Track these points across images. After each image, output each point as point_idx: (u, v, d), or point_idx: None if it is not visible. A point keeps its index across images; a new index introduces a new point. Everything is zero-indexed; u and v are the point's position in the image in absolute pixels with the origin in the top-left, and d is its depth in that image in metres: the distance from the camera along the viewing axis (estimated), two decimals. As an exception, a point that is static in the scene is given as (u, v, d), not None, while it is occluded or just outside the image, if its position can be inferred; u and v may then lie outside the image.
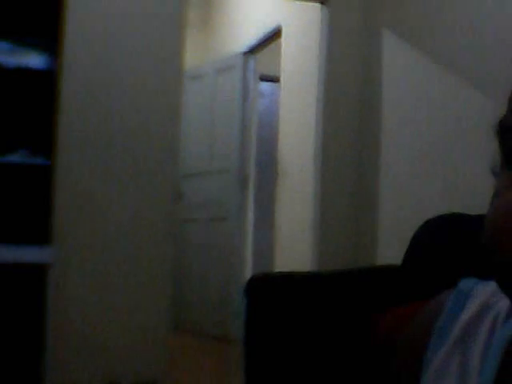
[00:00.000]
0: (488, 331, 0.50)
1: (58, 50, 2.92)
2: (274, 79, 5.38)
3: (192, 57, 5.25)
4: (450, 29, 3.20)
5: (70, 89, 3.16)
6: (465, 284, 0.54)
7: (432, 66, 3.33)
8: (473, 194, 2.93)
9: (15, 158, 2.88)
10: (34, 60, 2.95)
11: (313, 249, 3.94)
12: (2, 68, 2.89)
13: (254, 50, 5.13)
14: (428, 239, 2.71)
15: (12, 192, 3.00)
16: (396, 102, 3.61)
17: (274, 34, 4.86)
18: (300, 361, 2.33)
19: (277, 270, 4.46)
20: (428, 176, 3.31)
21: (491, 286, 0.52)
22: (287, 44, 4.70)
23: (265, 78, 5.67)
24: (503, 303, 0.50)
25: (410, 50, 3.52)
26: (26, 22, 2.99)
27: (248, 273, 4.98)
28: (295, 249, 4.33)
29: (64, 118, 3.05)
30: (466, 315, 0.52)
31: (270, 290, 2.68)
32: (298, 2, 4.28)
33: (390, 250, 3.48)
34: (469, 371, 0.49)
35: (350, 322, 2.58)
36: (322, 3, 3.99)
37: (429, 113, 3.34)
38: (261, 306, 2.65)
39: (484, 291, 0.52)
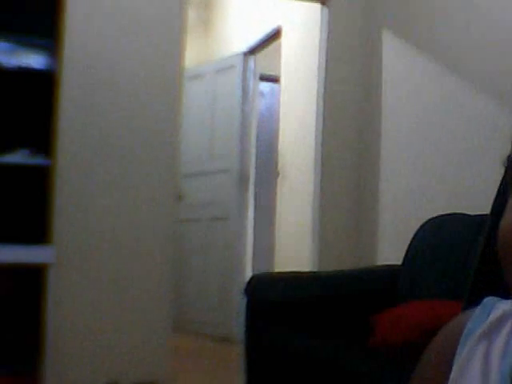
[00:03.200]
0: (509, 330, 0.56)
1: (57, 50, 2.92)
2: (274, 79, 5.38)
3: (192, 57, 5.25)
4: (449, 29, 3.20)
5: (70, 89, 3.16)
6: (489, 300, 0.61)
7: (432, 66, 3.33)
8: (473, 194, 2.93)
9: (15, 158, 2.88)
10: (34, 60, 2.94)
11: (313, 249, 3.94)
12: (2, 68, 2.89)
13: (254, 50, 5.13)
14: (428, 239, 2.71)
15: (12, 192, 3.00)
16: (396, 101, 3.61)
17: (274, 34, 4.86)
18: (300, 360, 2.32)
19: (277, 270, 4.46)
20: (428, 176, 3.31)
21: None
22: (287, 44, 4.70)
23: (265, 78, 5.67)
24: None
25: (410, 50, 3.52)
26: (25, 22, 2.99)
27: (248, 273, 4.97)
28: (295, 249, 4.33)
29: (64, 118, 3.04)
30: (491, 317, 0.58)
31: (270, 290, 2.68)
32: (297, 2, 4.28)
33: (390, 250, 3.48)
34: (491, 362, 0.55)
35: (349, 321, 2.58)
36: (322, 3, 3.99)
37: (429, 113, 3.34)
38: (261, 306, 2.65)
39: (505, 304, 0.59)
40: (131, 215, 3.40)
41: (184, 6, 3.58)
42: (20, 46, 2.93)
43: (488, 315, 0.58)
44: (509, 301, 0.59)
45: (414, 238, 2.79)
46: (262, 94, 5.90)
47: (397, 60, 3.63)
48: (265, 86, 5.96)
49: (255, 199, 5.28)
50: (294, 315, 2.61)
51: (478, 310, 0.60)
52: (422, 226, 2.78)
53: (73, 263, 3.27)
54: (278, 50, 4.81)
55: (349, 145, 3.93)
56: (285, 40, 4.72)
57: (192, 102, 5.24)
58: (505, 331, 0.56)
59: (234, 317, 4.86)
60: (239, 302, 4.47)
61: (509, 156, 0.54)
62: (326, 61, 3.93)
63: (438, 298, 2.35)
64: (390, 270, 2.85)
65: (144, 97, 3.45)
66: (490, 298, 0.61)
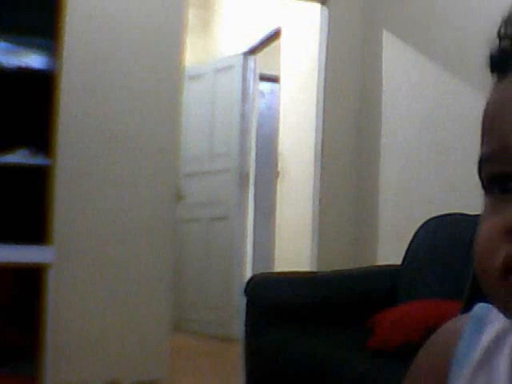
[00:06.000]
0: (509, 355, 0.50)
1: (57, 50, 2.92)
2: (274, 79, 5.38)
3: (192, 57, 5.25)
4: (449, 29, 3.20)
5: (70, 89, 3.15)
6: (479, 310, 0.55)
7: (431, 66, 3.33)
8: (473, 194, 2.93)
9: (15, 157, 2.88)
10: (34, 60, 2.94)
11: (313, 249, 3.94)
12: (1, 68, 2.89)
13: (253, 50, 5.13)
14: (428, 239, 2.71)
15: (12, 192, 2.99)
16: (396, 101, 3.61)
17: (274, 34, 4.86)
18: (300, 360, 2.32)
19: (277, 270, 4.46)
20: (428, 176, 3.31)
21: None
22: (287, 44, 4.70)
23: (265, 78, 5.67)
24: None
25: (409, 51, 3.51)
26: (25, 22, 2.99)
27: (248, 273, 4.97)
28: (295, 249, 4.33)
29: (64, 118, 3.04)
30: (484, 340, 0.52)
31: (270, 290, 2.68)
32: (297, 3, 4.28)
33: (390, 250, 3.48)
34: None
35: (349, 321, 2.58)
36: (322, 3, 3.98)
37: (428, 112, 3.34)
38: (261, 306, 2.65)
39: (500, 315, 0.53)
40: (131, 215, 3.40)
41: (184, 6, 3.58)
42: (20, 46, 2.93)
43: (481, 332, 0.53)
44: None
45: (413, 238, 2.79)
46: (261, 93, 5.90)
47: (396, 60, 3.63)
48: (265, 86, 5.96)
49: (255, 199, 5.28)
50: (294, 315, 2.61)
51: (469, 324, 0.54)
52: (422, 226, 2.78)
53: (73, 263, 3.27)
54: (278, 50, 4.81)
55: (349, 145, 3.93)
56: (284, 40, 4.72)
57: (192, 102, 5.24)
58: (506, 352, 0.51)
59: (234, 317, 4.85)
60: (239, 302, 4.47)
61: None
62: (326, 61, 3.93)
63: (438, 298, 2.35)
64: (390, 270, 2.85)
65: (144, 97, 3.45)
66: (481, 306, 0.56)
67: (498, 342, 0.52)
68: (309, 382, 2.26)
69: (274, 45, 4.95)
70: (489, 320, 0.54)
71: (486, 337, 0.52)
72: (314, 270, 3.81)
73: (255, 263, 5.29)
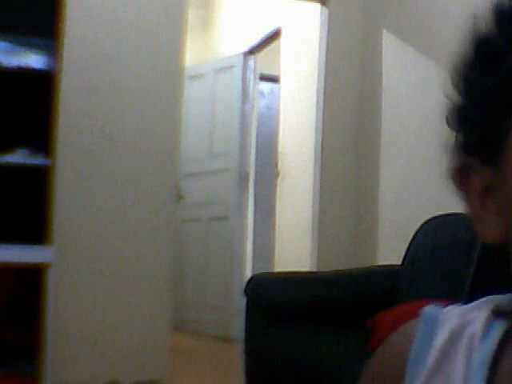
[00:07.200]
0: (465, 354, 0.48)
1: (57, 50, 2.92)
2: (274, 79, 5.38)
3: (192, 57, 5.25)
4: (449, 29, 3.20)
5: (70, 89, 3.16)
6: (430, 311, 0.53)
7: (431, 66, 3.33)
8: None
9: (15, 157, 2.88)
10: (33, 60, 2.94)
11: (313, 249, 3.94)
12: (1, 68, 2.89)
13: (253, 50, 5.13)
14: (428, 239, 2.71)
15: (11, 192, 2.99)
16: (396, 101, 3.61)
17: (274, 34, 4.86)
18: (299, 361, 2.32)
19: (277, 270, 4.46)
20: (428, 176, 3.31)
21: (458, 309, 0.52)
22: (287, 44, 4.70)
23: (265, 78, 5.67)
24: (475, 324, 0.50)
25: (409, 50, 3.51)
26: (25, 22, 2.99)
27: (248, 273, 4.97)
28: (295, 249, 4.33)
29: (64, 118, 3.04)
30: (438, 342, 0.51)
31: (270, 290, 2.68)
32: (297, 3, 4.28)
33: (390, 250, 3.48)
34: None
35: (349, 321, 2.58)
36: (321, 3, 3.99)
37: (428, 112, 3.34)
38: (261, 306, 2.65)
39: (451, 315, 0.52)
40: (131, 215, 3.40)
41: (184, 6, 3.58)
42: (20, 46, 2.93)
43: (433, 334, 0.51)
44: (453, 307, 0.53)
45: (413, 238, 2.79)
46: (261, 94, 5.90)
47: (396, 60, 3.63)
48: (265, 86, 5.96)
49: (255, 199, 5.28)
50: (294, 315, 2.61)
51: (419, 327, 0.52)
52: (422, 226, 2.78)
53: (73, 263, 3.27)
54: (278, 50, 4.81)
55: (349, 145, 3.93)
56: (284, 40, 4.72)
57: (192, 102, 5.24)
58: (460, 355, 0.49)
59: (234, 317, 4.85)
60: (239, 302, 4.47)
61: None
62: (326, 61, 3.93)
63: (438, 298, 2.35)
64: (390, 270, 2.85)
65: (144, 96, 3.45)
66: (429, 307, 0.53)
67: (452, 342, 0.50)
68: (309, 381, 2.26)
69: (273, 45, 4.95)
70: (440, 320, 0.52)
71: (439, 338, 0.51)
72: (314, 269, 3.81)
73: (255, 263, 5.29)
